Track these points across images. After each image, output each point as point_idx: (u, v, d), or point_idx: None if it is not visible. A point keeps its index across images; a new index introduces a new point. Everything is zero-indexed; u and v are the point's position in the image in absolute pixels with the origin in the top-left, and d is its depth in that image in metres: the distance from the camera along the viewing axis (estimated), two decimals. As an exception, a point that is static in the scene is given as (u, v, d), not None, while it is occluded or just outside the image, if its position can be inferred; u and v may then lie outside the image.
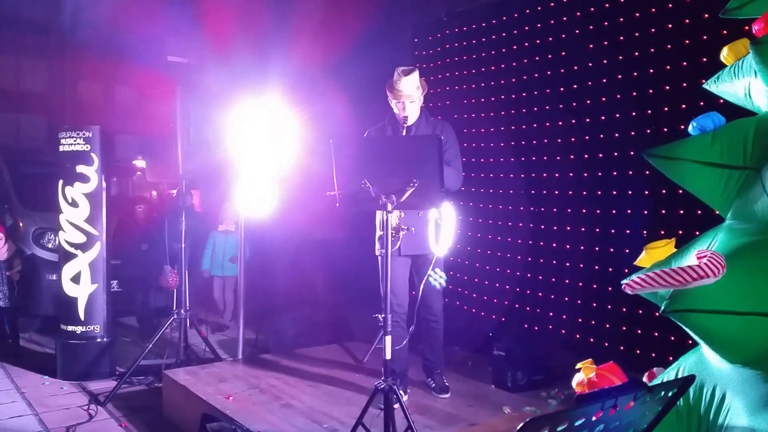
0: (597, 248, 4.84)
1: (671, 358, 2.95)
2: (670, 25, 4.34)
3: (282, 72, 6.36)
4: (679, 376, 2.51)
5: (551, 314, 5.17)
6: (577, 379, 2.62)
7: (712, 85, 2.68)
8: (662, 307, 2.18)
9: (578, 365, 2.66)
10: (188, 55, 16.11)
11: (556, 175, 5.14)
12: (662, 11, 4.37)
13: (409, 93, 4.01)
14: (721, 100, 2.79)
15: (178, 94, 5.01)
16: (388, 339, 3.58)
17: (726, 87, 2.62)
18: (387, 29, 6.66)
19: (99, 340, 5.68)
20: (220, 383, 4.63)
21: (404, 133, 4.07)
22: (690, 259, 2.29)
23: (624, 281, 2.30)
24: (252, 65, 6.90)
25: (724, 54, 2.63)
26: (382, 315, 3.55)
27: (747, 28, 2.54)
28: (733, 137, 2.45)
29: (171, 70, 15.26)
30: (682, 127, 2.77)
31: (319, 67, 6.50)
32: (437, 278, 4.23)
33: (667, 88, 4.34)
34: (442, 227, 3.97)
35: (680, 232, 4.03)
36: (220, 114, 5.31)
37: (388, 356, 3.58)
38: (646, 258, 2.78)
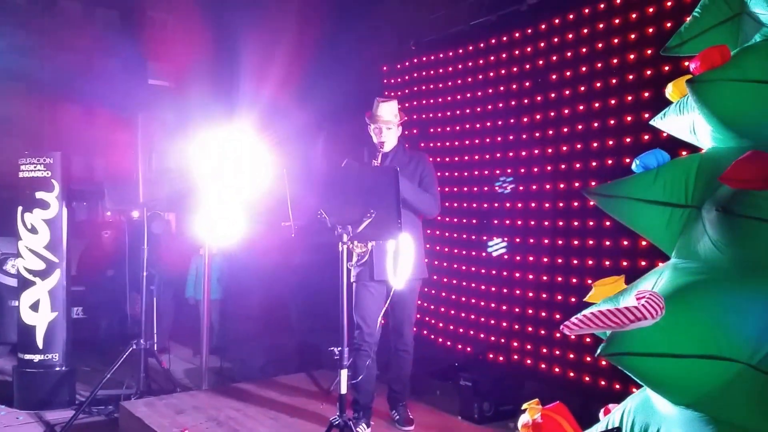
0: (560, 278, 4.80)
1: (634, 390, 2.90)
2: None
3: (253, 99, 6.36)
4: (625, 416, 2.46)
5: (516, 344, 5.11)
6: (522, 420, 2.55)
7: (658, 121, 2.67)
8: (598, 350, 2.14)
9: (524, 406, 2.60)
10: (169, 78, 16.06)
11: (531, 204, 5.05)
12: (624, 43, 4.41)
13: (387, 119, 4.15)
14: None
15: (140, 120, 4.96)
16: (344, 373, 3.54)
17: (672, 123, 2.61)
18: (356, 58, 6.68)
19: (58, 368, 5.54)
20: (178, 415, 4.53)
21: (379, 160, 4.17)
22: (630, 299, 2.25)
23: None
24: (223, 91, 6.89)
25: (669, 91, 2.63)
26: (339, 348, 3.51)
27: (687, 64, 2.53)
28: (675, 175, 2.43)
29: (151, 93, 15.19)
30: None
31: (288, 95, 6.49)
32: None
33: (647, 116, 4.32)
34: (400, 259, 3.93)
35: (658, 263, 3.96)
36: (190, 139, 5.27)
37: (344, 391, 3.54)
38: (595, 294, 2.75)
